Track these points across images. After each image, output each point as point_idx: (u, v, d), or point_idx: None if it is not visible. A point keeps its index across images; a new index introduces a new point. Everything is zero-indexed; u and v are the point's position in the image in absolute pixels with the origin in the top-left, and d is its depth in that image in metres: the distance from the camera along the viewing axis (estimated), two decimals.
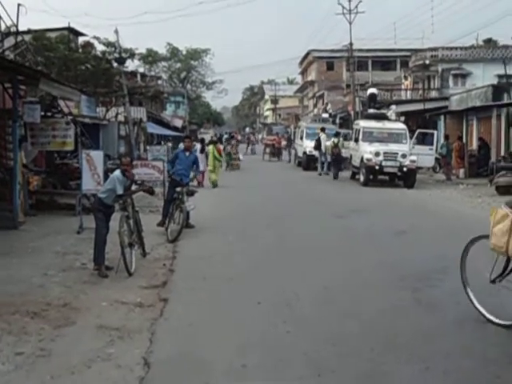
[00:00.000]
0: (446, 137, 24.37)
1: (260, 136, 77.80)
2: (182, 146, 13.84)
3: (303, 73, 75.18)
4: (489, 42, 45.85)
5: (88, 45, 25.93)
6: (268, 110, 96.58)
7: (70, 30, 26.55)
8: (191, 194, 10.59)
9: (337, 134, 25.00)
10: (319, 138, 24.92)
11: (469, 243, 5.79)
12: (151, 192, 8.66)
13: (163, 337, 5.19)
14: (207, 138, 32.26)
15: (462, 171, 22.86)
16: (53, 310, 5.89)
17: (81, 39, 28.24)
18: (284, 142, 41.97)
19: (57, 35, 24.09)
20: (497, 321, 5.33)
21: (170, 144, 28.19)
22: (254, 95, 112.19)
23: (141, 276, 7.32)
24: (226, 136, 45.93)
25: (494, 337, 5.09)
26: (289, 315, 5.76)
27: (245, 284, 7.02)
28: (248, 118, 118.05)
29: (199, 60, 70.50)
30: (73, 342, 5.04)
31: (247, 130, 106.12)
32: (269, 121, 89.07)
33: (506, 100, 22.45)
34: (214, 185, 19.68)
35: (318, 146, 25.02)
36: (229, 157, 28.58)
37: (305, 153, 28.05)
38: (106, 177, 9.89)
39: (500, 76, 30.54)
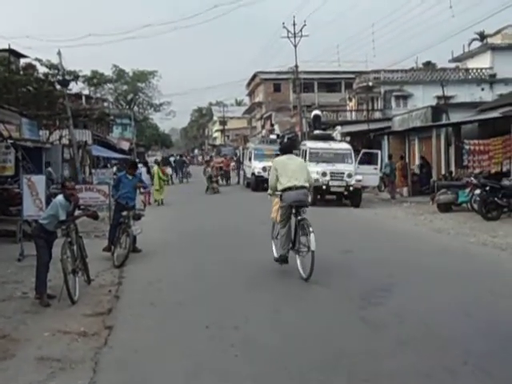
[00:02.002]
0: (390, 156, 25.08)
1: (209, 157, 77.74)
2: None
3: (251, 94, 76.02)
4: (428, 64, 47.76)
5: (30, 67, 25.34)
6: (217, 131, 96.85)
7: (11, 51, 25.88)
8: (138, 217, 10.42)
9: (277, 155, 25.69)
10: None
11: None
12: (95, 217, 8.50)
13: (107, 366, 5.05)
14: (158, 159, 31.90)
15: (405, 190, 23.52)
16: None
17: (22, 61, 27.56)
18: (233, 164, 41.85)
19: None
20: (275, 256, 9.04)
21: (115, 168, 27.66)
22: (202, 117, 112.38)
23: (85, 304, 7.12)
24: (172, 158, 45.68)
25: (438, 354, 5.20)
26: (237, 339, 5.71)
27: (193, 308, 6.93)
28: (197, 140, 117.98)
29: (146, 82, 70.08)
30: (11, 376, 4.84)
31: (196, 151, 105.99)
32: (218, 142, 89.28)
33: (444, 120, 23.32)
34: (160, 203, 21.56)
35: None
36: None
37: (253, 174, 28.22)
38: (49, 201, 9.61)
39: (439, 97, 31.74)
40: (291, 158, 9.06)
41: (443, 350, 5.28)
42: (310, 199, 8.80)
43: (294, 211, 8.59)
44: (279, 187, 8.62)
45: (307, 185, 8.75)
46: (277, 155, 10.01)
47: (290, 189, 8.48)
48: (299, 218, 8.56)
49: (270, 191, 9.13)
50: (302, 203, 8.61)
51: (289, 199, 8.50)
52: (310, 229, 8.18)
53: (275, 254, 9.13)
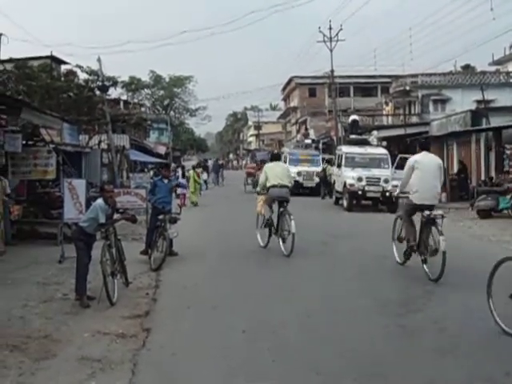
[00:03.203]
0: None
1: (244, 162, 78.01)
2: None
3: (286, 99, 75.99)
4: (467, 68, 46.88)
5: (71, 73, 25.86)
6: (251, 135, 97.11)
7: (53, 58, 26.53)
8: (174, 221, 10.54)
9: (327, 161, 27.50)
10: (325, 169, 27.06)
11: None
12: (134, 220, 8.62)
13: (145, 368, 5.12)
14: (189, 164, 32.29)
15: (443, 195, 23.07)
16: (33, 342, 5.79)
17: (63, 67, 28.20)
18: None
19: (39, 64, 24.03)
20: (261, 244, 11.61)
21: (151, 172, 28.03)
22: (237, 121, 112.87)
23: (123, 306, 7.23)
24: (211, 162, 46.09)
25: (479, 364, 5.09)
26: (273, 344, 5.71)
27: (229, 312, 6.96)
28: (232, 144, 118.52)
29: (182, 87, 70.90)
30: (53, 376, 4.95)
31: (231, 156, 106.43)
32: (252, 147, 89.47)
33: (484, 125, 22.84)
34: (195, 204, 22.67)
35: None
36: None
37: None
38: (88, 205, 9.81)
39: (478, 101, 31.10)
40: (278, 164, 11.95)
41: (485, 359, 5.17)
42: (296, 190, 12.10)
43: (277, 205, 11.20)
44: (268, 184, 11.27)
45: (289, 184, 11.54)
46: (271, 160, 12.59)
47: (275, 186, 11.16)
48: (281, 209, 11.06)
49: (258, 189, 12.08)
50: (283, 198, 11.20)
51: (274, 194, 11.23)
52: (291, 217, 10.63)
53: (261, 243, 11.51)
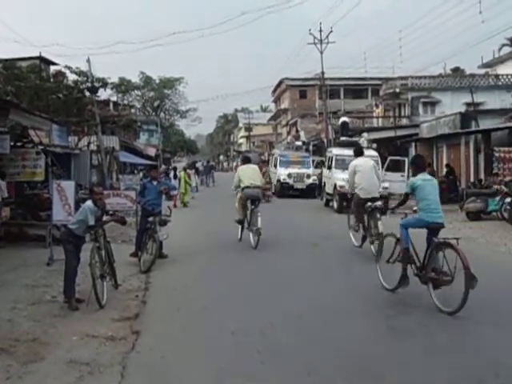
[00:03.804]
0: None
1: (234, 164, 78.05)
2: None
3: (276, 101, 76.07)
4: (456, 70, 47.15)
5: (60, 74, 25.69)
6: (242, 137, 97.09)
7: (42, 59, 26.36)
8: (164, 223, 10.48)
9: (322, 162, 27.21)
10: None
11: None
12: (123, 222, 8.56)
13: (135, 371, 5.09)
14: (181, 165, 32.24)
15: None
16: (21, 345, 5.74)
17: (52, 68, 28.02)
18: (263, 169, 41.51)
19: (28, 64, 23.89)
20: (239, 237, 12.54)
21: (141, 174, 27.92)
22: (227, 123, 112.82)
23: (112, 308, 7.18)
24: (199, 163, 46.03)
25: (468, 367, 5.11)
26: (263, 345, 5.70)
27: (219, 314, 6.93)
28: (222, 146, 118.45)
29: (172, 88, 70.79)
30: (41, 379, 4.90)
31: (221, 158, 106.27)
32: (243, 148, 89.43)
33: (473, 127, 22.98)
34: (185, 205, 23.14)
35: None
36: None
37: (279, 180, 28.11)
38: (77, 207, 9.73)
39: (468, 104, 31.26)
40: (249, 166, 12.88)
41: (475, 360, 5.19)
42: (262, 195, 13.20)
43: (250, 203, 12.23)
44: (242, 185, 12.23)
45: (261, 185, 12.72)
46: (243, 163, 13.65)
47: (249, 187, 12.15)
48: (253, 207, 12.17)
49: (233, 188, 13.05)
50: (255, 197, 12.32)
51: (247, 194, 12.24)
52: (259, 214, 11.87)
53: (239, 236, 12.58)
